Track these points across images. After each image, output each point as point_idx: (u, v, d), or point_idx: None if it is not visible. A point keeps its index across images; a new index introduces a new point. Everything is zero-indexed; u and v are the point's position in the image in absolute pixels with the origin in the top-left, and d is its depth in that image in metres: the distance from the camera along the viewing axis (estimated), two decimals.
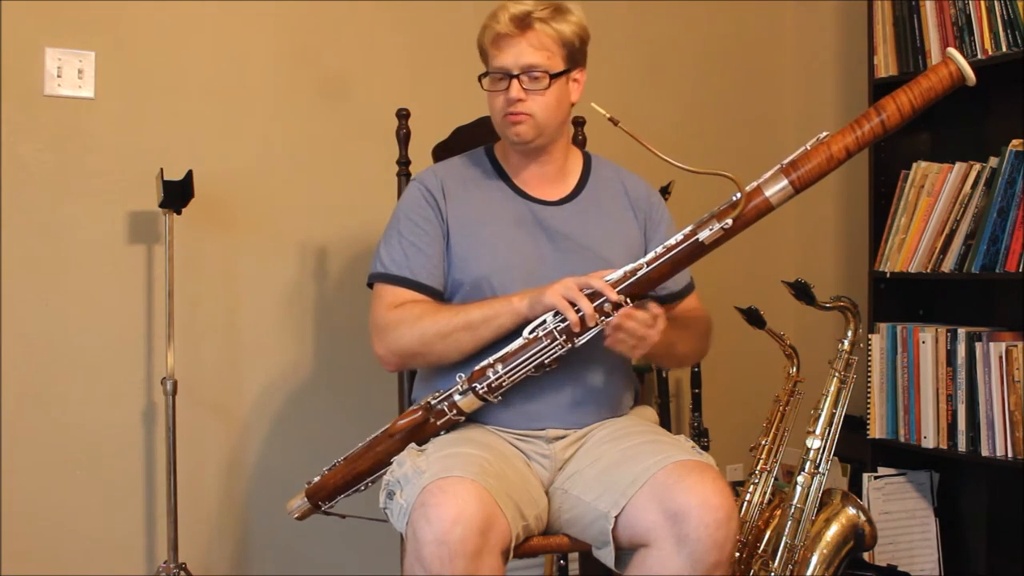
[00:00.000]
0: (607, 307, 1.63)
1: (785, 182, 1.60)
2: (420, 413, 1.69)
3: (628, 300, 1.64)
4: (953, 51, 1.58)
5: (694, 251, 1.64)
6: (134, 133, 2.30)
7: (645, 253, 1.71)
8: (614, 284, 1.64)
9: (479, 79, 1.81)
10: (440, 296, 1.81)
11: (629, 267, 1.66)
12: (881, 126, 1.60)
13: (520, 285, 1.73)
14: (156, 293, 2.31)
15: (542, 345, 1.65)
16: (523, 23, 1.74)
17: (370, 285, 1.85)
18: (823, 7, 3.19)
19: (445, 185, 1.85)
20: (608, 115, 1.70)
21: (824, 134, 1.62)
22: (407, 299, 1.77)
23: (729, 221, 1.60)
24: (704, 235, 1.62)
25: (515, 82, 1.75)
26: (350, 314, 2.55)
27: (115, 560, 2.28)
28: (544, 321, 1.66)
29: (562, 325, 1.64)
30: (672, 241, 1.65)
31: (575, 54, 1.81)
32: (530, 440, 1.75)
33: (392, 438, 1.72)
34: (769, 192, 1.61)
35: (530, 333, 1.66)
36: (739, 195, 1.60)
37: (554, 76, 1.76)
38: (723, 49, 3.17)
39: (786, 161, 1.62)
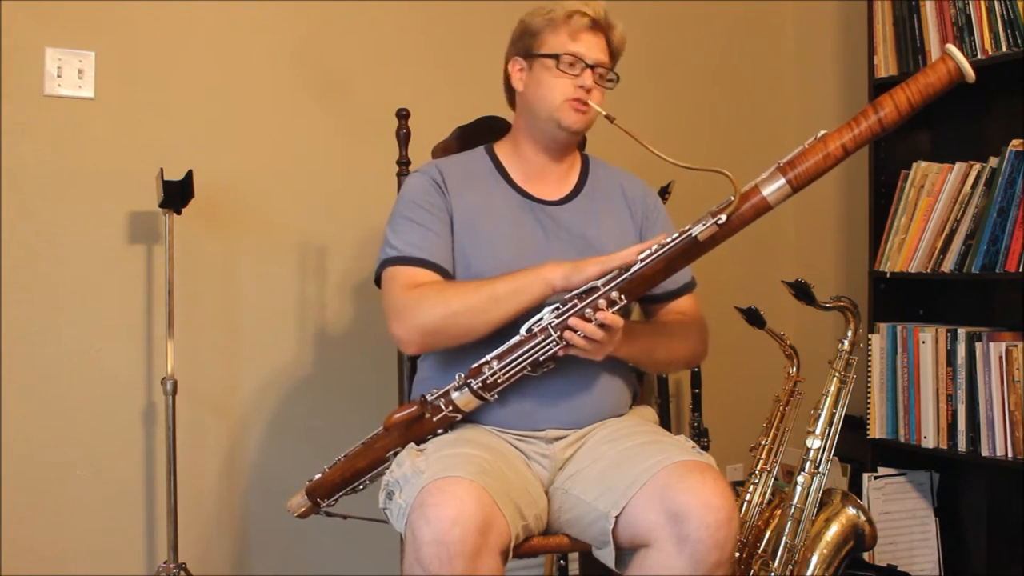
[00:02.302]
0: (601, 303, 1.62)
1: (782, 181, 1.59)
2: (415, 408, 1.69)
3: (622, 297, 1.64)
4: (952, 47, 1.55)
5: (688, 248, 1.62)
6: (134, 133, 2.30)
7: None
8: (607, 281, 1.63)
9: (550, 58, 1.79)
10: (452, 279, 1.79)
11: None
12: (879, 124, 1.58)
13: None
14: (156, 293, 2.31)
15: (537, 341, 1.64)
16: (608, 24, 1.83)
17: (377, 280, 1.83)
18: (823, 7, 3.19)
19: (446, 178, 1.85)
20: (604, 112, 1.70)
21: (821, 133, 1.60)
22: (423, 279, 1.75)
23: (723, 217, 1.59)
24: (698, 231, 1.60)
25: (590, 71, 1.79)
26: (350, 314, 2.55)
27: (115, 560, 2.28)
28: (541, 318, 1.65)
29: (557, 321, 1.63)
30: (668, 238, 1.64)
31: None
32: (530, 440, 1.75)
33: (388, 432, 1.72)
34: (766, 191, 1.60)
35: (526, 331, 1.66)
36: (733, 197, 1.59)
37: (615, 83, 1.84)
38: (723, 49, 3.17)
39: (783, 160, 1.61)
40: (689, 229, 1.62)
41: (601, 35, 1.82)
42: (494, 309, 1.67)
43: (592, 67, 1.79)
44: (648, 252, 1.63)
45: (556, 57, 1.79)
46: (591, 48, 1.80)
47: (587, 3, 1.80)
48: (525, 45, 1.84)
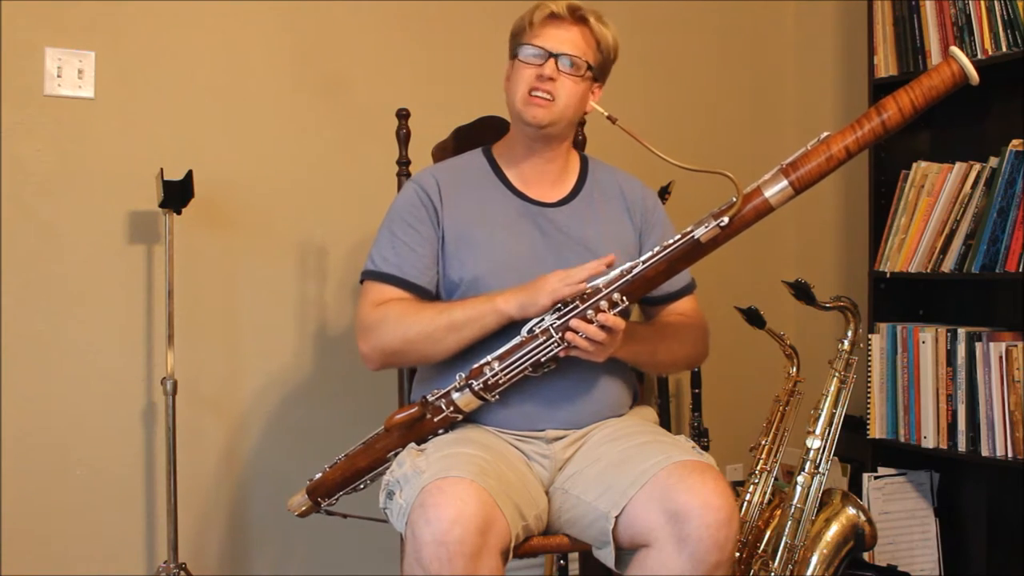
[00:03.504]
0: (602, 304, 1.63)
1: (785, 183, 1.60)
2: (417, 408, 1.69)
3: (624, 299, 1.64)
4: (956, 50, 1.56)
5: (690, 250, 1.63)
6: (134, 133, 2.30)
7: (640, 254, 1.71)
8: (609, 283, 1.64)
9: (514, 54, 1.79)
10: (430, 295, 1.81)
11: (625, 266, 1.65)
12: (882, 126, 1.58)
13: (515, 285, 1.72)
14: (156, 293, 2.31)
15: (538, 343, 1.64)
16: (578, 15, 1.80)
17: (362, 284, 1.85)
18: (823, 7, 3.19)
19: (441, 186, 1.85)
20: (607, 114, 1.70)
21: (825, 134, 1.61)
22: (392, 297, 1.77)
23: (725, 219, 1.59)
24: (700, 232, 1.60)
25: (552, 61, 1.77)
26: (349, 314, 2.55)
27: (115, 560, 2.29)
28: (542, 319, 1.66)
29: (558, 322, 1.64)
30: (669, 240, 1.64)
31: (603, 66, 1.86)
32: (530, 440, 1.75)
33: (389, 433, 1.72)
34: (769, 193, 1.60)
35: (527, 332, 1.66)
36: (736, 199, 1.60)
37: (590, 69, 1.80)
38: (723, 49, 3.17)
39: (786, 162, 1.61)
40: (691, 231, 1.62)
41: (568, 26, 1.79)
42: (450, 337, 1.70)
43: (556, 56, 1.78)
44: (650, 254, 1.64)
45: (516, 51, 1.80)
46: (553, 39, 1.78)
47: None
48: (512, 48, 1.86)
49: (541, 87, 1.77)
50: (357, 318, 1.79)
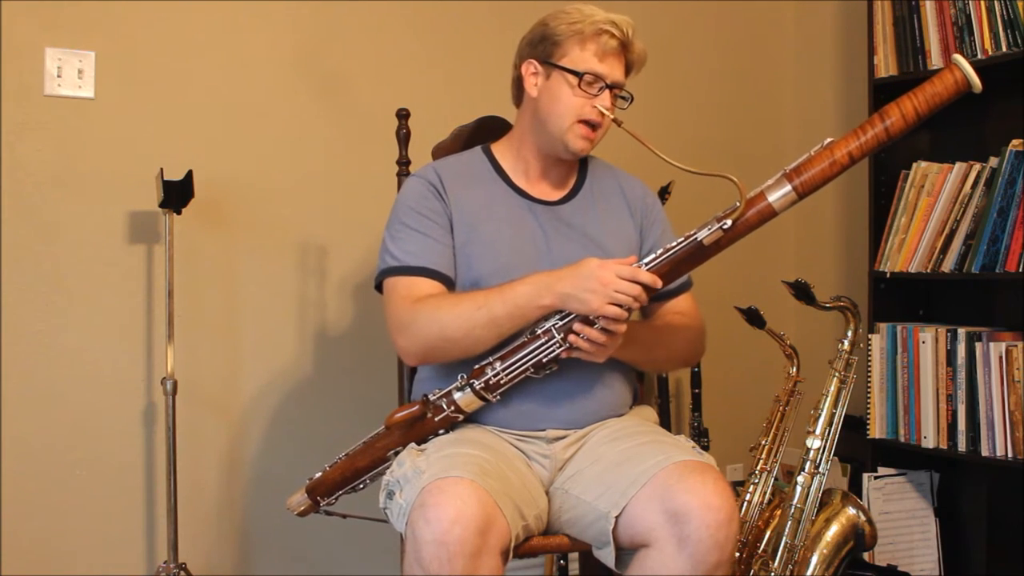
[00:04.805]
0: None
1: (788, 187, 1.61)
2: (417, 407, 1.69)
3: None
4: (959, 57, 1.57)
5: (693, 252, 1.63)
6: (134, 133, 2.30)
7: (640, 253, 1.70)
8: None
9: (573, 74, 1.75)
10: (453, 286, 1.79)
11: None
12: (885, 133, 1.59)
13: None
14: (156, 293, 2.31)
15: (540, 343, 1.64)
16: (631, 42, 1.81)
17: (378, 287, 1.83)
18: (823, 7, 3.19)
19: (445, 182, 1.84)
20: (612, 116, 1.71)
21: (828, 140, 1.62)
22: (424, 288, 1.74)
23: (729, 222, 1.60)
24: (703, 235, 1.61)
25: (608, 92, 1.77)
26: (350, 314, 2.55)
27: (115, 560, 2.28)
28: (546, 319, 1.66)
29: (561, 323, 1.64)
30: (672, 242, 1.64)
31: None
32: (530, 440, 1.75)
33: (389, 432, 1.72)
34: (772, 197, 1.61)
35: (530, 333, 1.66)
36: (739, 202, 1.60)
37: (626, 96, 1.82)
38: (723, 49, 3.17)
39: (790, 167, 1.62)
40: (694, 233, 1.62)
41: (625, 55, 1.81)
42: (491, 332, 1.67)
43: (611, 87, 1.78)
44: (653, 256, 1.64)
45: (580, 76, 1.76)
46: (614, 69, 1.78)
47: (615, 21, 1.77)
48: (545, 51, 1.80)
49: (599, 121, 1.77)
50: (391, 314, 1.75)
